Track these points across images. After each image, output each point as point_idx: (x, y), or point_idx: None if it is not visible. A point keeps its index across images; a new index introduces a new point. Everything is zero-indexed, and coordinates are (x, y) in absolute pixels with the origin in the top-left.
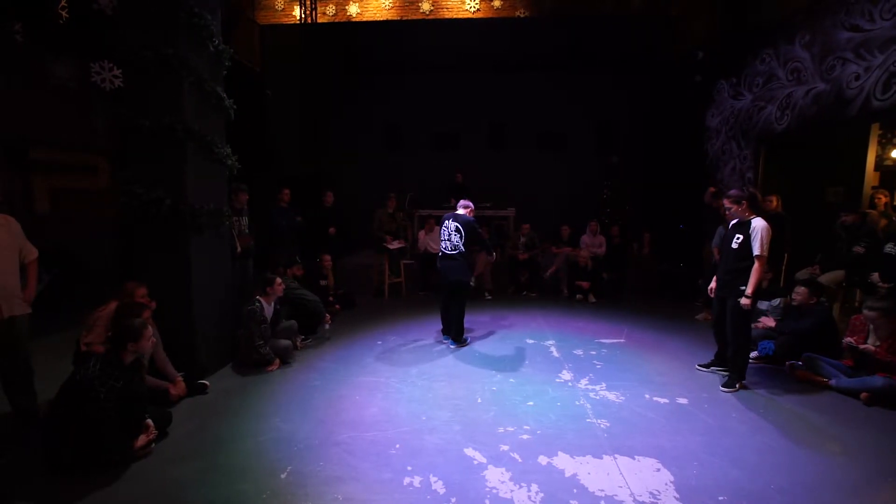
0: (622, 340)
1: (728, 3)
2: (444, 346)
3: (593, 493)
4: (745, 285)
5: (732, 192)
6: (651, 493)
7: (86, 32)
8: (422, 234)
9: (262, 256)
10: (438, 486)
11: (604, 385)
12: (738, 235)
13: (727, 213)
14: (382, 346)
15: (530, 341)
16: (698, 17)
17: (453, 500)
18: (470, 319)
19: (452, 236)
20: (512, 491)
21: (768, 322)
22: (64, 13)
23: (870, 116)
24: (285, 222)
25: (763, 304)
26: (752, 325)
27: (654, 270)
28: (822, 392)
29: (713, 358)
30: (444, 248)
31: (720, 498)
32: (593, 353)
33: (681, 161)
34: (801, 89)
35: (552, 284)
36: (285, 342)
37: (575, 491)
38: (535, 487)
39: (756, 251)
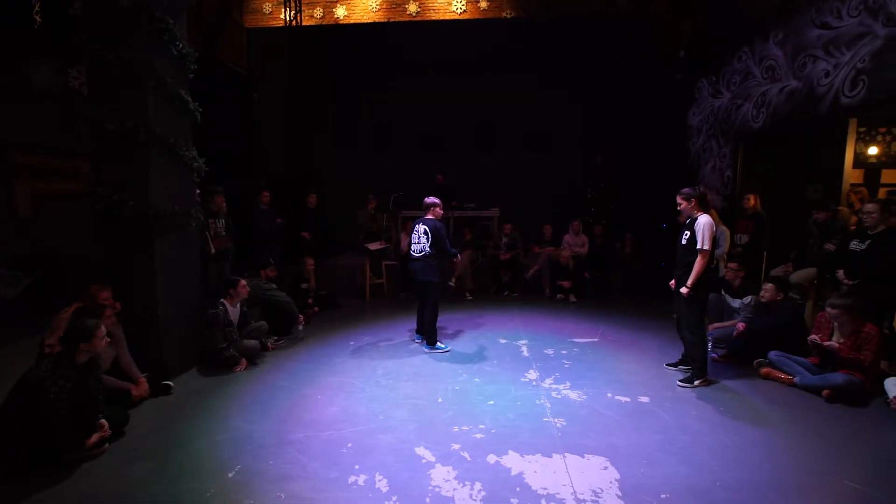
0: (596, 340)
1: (708, 1)
2: (415, 346)
3: (536, 491)
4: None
5: (685, 189)
6: (594, 491)
7: (62, 37)
8: (403, 235)
9: (243, 258)
10: (382, 485)
11: (568, 384)
12: (686, 232)
13: (678, 208)
14: (354, 346)
15: (503, 341)
16: (683, 17)
17: (394, 498)
18: (447, 319)
19: (421, 238)
20: (455, 489)
21: (740, 326)
22: (38, 17)
23: (839, 113)
24: (265, 224)
25: (735, 303)
26: (731, 326)
27: (636, 269)
28: (786, 389)
29: (681, 357)
30: (413, 251)
31: (663, 496)
32: (564, 352)
33: (664, 160)
34: (776, 87)
35: (534, 284)
36: (252, 343)
37: (518, 489)
38: (478, 486)
39: (699, 245)
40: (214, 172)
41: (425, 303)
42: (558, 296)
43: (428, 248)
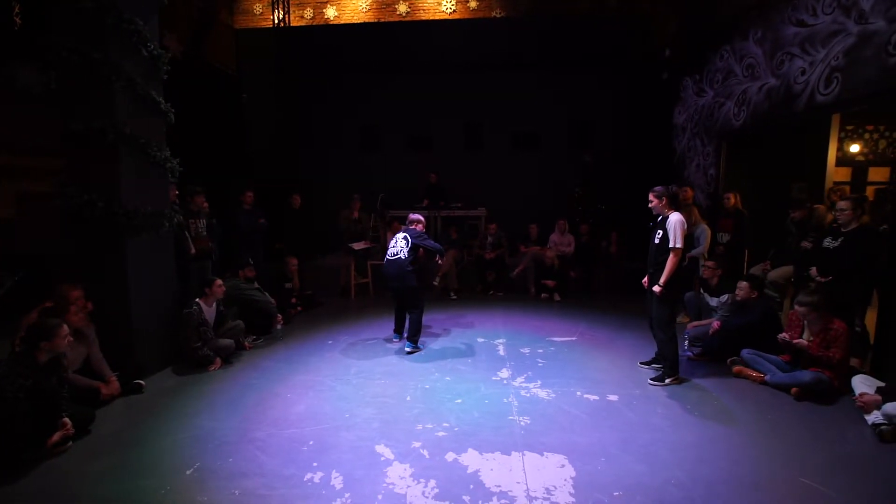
0: (574, 339)
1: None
2: (391, 346)
3: (489, 488)
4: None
5: (657, 188)
6: (546, 488)
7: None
8: (390, 234)
9: (227, 258)
10: (337, 482)
11: (539, 383)
12: (658, 231)
13: (649, 205)
14: (332, 345)
15: (481, 340)
16: (670, 16)
17: (347, 495)
18: (429, 319)
19: (398, 243)
20: (408, 486)
21: (715, 325)
22: (18, 20)
23: (815, 111)
24: (248, 224)
25: (713, 301)
26: (708, 324)
27: (621, 268)
28: (757, 388)
29: (655, 355)
30: (388, 255)
31: (615, 493)
32: (540, 351)
33: (651, 159)
34: (755, 85)
35: (520, 284)
36: (227, 342)
37: (471, 487)
38: (432, 483)
39: (671, 243)
40: (204, 172)
41: (406, 305)
42: (542, 295)
43: (405, 253)
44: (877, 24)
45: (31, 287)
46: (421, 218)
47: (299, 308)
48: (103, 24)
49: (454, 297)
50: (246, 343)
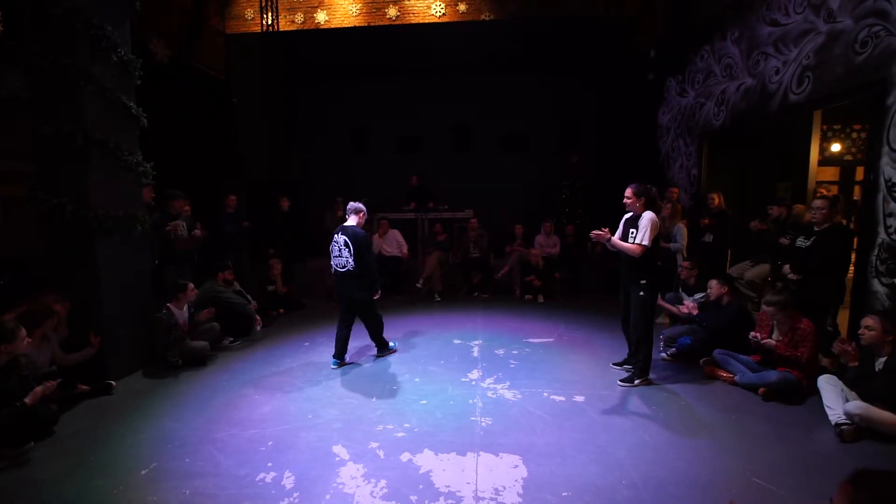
0: (551, 340)
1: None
2: (365, 347)
3: (438, 488)
4: (644, 277)
5: (636, 185)
6: (495, 489)
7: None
8: (375, 237)
9: (211, 262)
10: (289, 482)
11: (507, 384)
12: (632, 230)
13: (625, 202)
14: (308, 347)
15: (457, 341)
16: (656, 17)
17: (296, 494)
18: (409, 320)
19: (343, 252)
20: (358, 486)
21: (691, 308)
22: (0, 26)
23: (788, 110)
24: (231, 228)
25: (688, 301)
26: (678, 309)
27: (606, 269)
28: (727, 388)
29: (627, 356)
30: (336, 266)
31: (564, 494)
32: (515, 352)
33: (637, 159)
34: (733, 85)
35: (506, 285)
36: (200, 344)
37: (420, 487)
38: (383, 483)
39: (638, 239)
40: (194, 176)
41: (366, 320)
42: (527, 296)
43: (352, 263)
44: (844, 23)
45: (17, 290)
46: (360, 207)
47: (281, 310)
48: (72, 30)
49: (438, 298)
50: (224, 344)
